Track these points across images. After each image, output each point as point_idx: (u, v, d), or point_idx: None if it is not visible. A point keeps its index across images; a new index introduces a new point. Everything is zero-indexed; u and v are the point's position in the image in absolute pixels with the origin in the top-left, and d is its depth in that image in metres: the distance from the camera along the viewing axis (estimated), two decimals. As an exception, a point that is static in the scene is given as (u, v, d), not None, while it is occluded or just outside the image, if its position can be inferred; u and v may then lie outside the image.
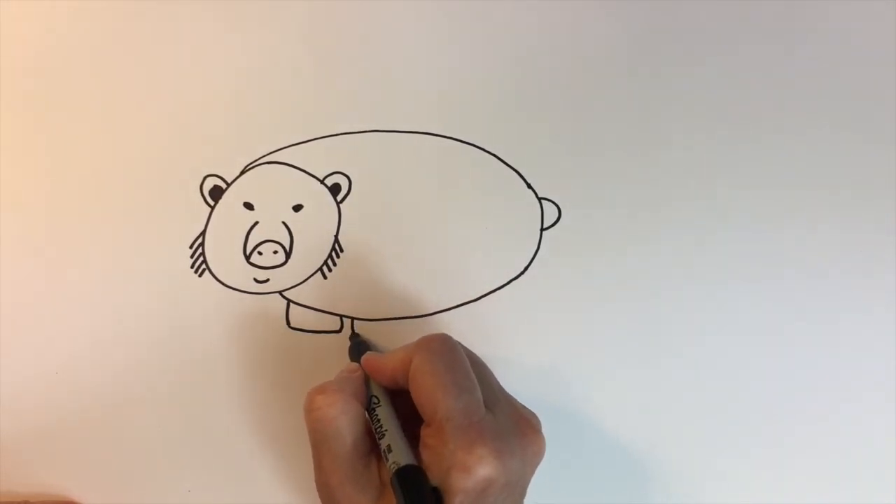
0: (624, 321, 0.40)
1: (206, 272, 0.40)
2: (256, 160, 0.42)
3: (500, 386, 0.33)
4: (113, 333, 0.39)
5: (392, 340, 0.39)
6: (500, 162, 0.42)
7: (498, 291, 0.40)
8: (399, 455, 0.30)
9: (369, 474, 0.31)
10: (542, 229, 0.41)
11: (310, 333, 0.39)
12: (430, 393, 0.30)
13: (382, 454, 0.30)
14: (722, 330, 0.40)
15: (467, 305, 0.40)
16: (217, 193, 0.41)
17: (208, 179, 0.42)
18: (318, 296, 0.40)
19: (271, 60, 0.44)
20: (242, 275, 0.40)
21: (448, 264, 0.40)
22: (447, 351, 0.32)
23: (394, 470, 0.29)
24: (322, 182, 0.41)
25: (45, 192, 0.41)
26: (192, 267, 0.40)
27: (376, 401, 0.33)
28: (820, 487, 0.38)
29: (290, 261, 0.40)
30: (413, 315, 0.40)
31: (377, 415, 0.32)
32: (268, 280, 0.40)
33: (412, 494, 0.28)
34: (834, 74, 0.44)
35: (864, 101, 0.43)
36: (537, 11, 0.45)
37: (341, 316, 0.40)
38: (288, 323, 0.40)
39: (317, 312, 0.40)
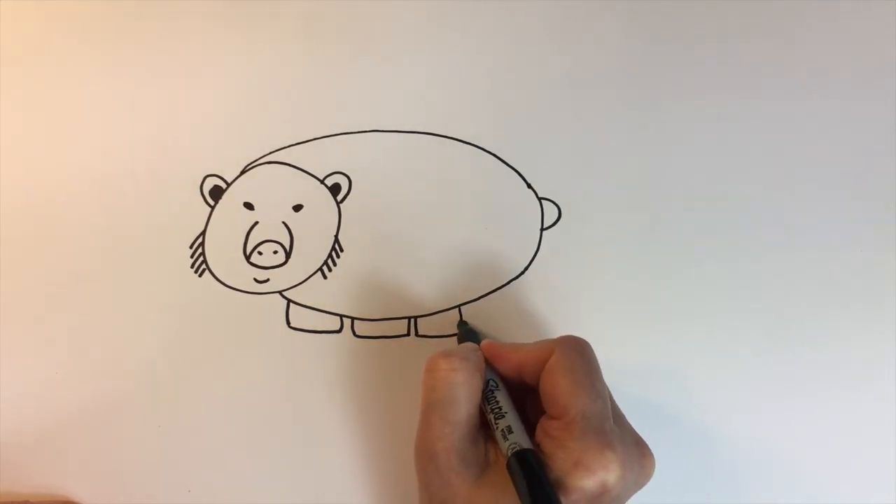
0: (624, 321, 0.40)
1: (206, 272, 0.40)
2: (256, 160, 0.42)
3: (617, 406, 0.34)
4: (113, 333, 0.39)
5: (393, 340, 0.39)
6: (500, 162, 0.42)
7: (498, 291, 0.40)
8: (520, 438, 0.29)
9: (476, 450, 0.30)
10: (542, 229, 0.41)
11: (310, 333, 0.39)
12: (570, 389, 0.30)
13: (500, 435, 0.30)
14: (723, 328, 0.40)
15: (467, 305, 0.40)
16: (217, 193, 0.41)
17: (208, 179, 0.42)
18: (318, 296, 0.40)
19: (271, 60, 0.44)
20: (242, 275, 0.40)
21: (448, 264, 0.40)
22: (589, 354, 0.32)
23: (514, 451, 0.29)
24: (322, 182, 0.41)
25: (45, 192, 0.41)
26: (192, 267, 0.40)
27: (494, 384, 0.32)
28: (821, 487, 0.38)
29: (290, 261, 0.40)
30: (413, 315, 0.40)
31: (495, 397, 0.32)
32: (268, 280, 0.40)
33: (532, 478, 0.28)
34: (839, 75, 0.44)
35: (867, 102, 0.43)
36: (538, 11, 0.45)
37: (341, 316, 0.40)
38: (288, 323, 0.40)
39: (317, 312, 0.40)
